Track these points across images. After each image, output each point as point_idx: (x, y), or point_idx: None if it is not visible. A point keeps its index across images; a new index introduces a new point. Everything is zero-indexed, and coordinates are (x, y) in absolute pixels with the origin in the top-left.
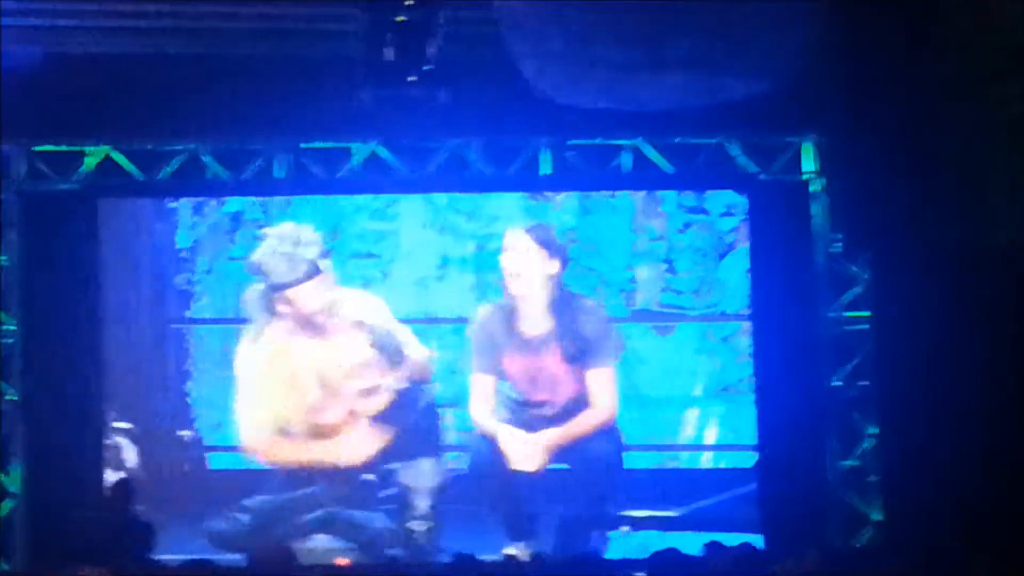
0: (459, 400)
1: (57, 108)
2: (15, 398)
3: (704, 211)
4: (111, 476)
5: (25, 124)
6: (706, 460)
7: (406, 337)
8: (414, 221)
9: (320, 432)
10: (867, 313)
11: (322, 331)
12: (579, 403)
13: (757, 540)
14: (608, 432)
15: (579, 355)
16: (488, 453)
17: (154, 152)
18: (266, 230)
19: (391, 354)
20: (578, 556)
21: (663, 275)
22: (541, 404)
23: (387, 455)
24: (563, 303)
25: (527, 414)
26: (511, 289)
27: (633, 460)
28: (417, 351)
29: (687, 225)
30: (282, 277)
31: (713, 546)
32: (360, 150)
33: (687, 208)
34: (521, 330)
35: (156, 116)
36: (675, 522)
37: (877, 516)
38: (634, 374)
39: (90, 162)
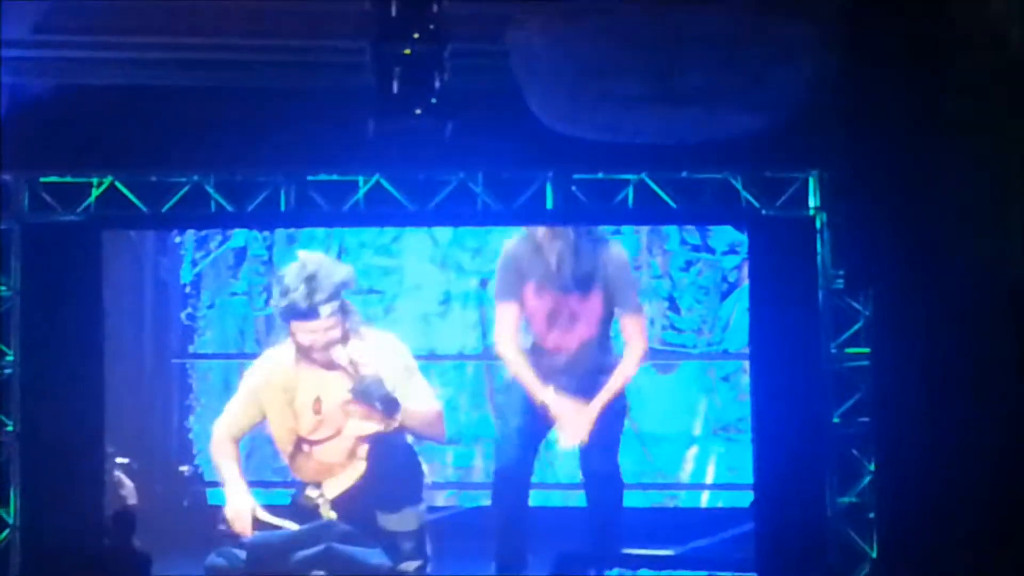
0: (460, 438)
1: (62, 139)
2: (13, 428)
3: (708, 249)
4: (110, 509)
5: (30, 155)
6: (705, 499)
7: (411, 388)
8: (418, 257)
9: (301, 453)
10: (867, 350)
11: (322, 365)
12: (589, 352)
13: None
14: (611, 474)
15: (602, 296)
16: (513, 488)
17: (159, 184)
18: (300, 252)
19: (374, 402)
20: None
21: (665, 313)
22: (554, 352)
23: (367, 501)
24: (587, 244)
25: (539, 364)
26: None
27: (632, 499)
28: (422, 403)
29: (690, 263)
30: (280, 308)
31: None
32: (366, 183)
33: (691, 246)
34: (548, 260)
35: (161, 148)
36: (671, 561)
37: (875, 553)
38: (635, 412)
39: (94, 193)
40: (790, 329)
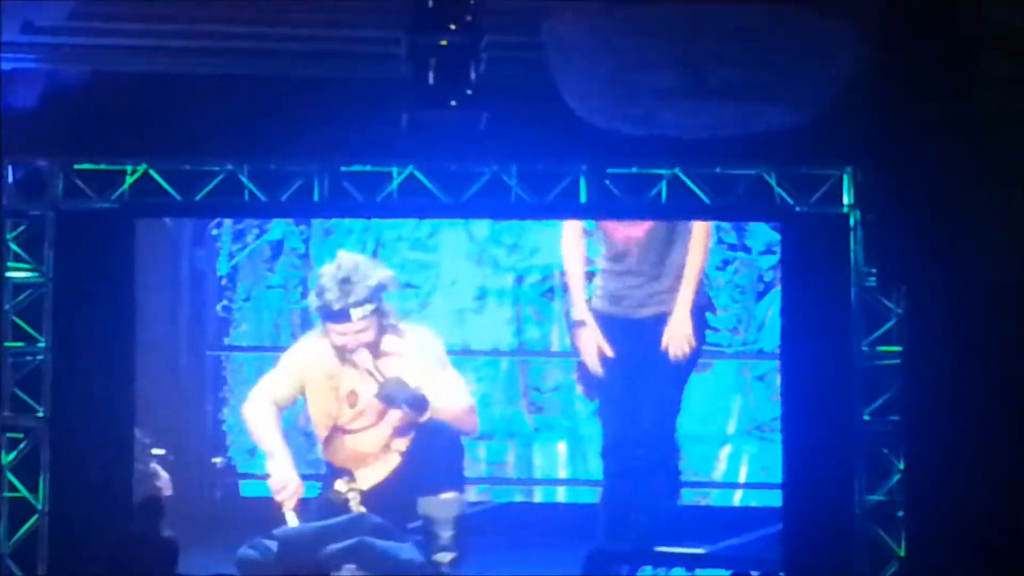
0: (493, 433)
1: (96, 126)
2: (43, 415)
3: (745, 248)
4: (141, 498)
5: (64, 141)
6: (738, 499)
7: (443, 383)
8: (454, 253)
9: (337, 439)
10: (899, 348)
11: (352, 364)
12: (657, 237)
13: None
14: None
15: None
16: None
17: (192, 172)
18: (340, 252)
19: (400, 405)
20: None
21: None
22: (624, 244)
23: (408, 487)
24: None
25: (613, 268)
26: None
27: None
28: (452, 399)
29: (727, 262)
30: (315, 307)
31: None
32: (400, 174)
33: (727, 245)
34: None
35: (195, 136)
36: (703, 560)
37: (903, 552)
38: None
39: (128, 181)
40: (822, 326)
